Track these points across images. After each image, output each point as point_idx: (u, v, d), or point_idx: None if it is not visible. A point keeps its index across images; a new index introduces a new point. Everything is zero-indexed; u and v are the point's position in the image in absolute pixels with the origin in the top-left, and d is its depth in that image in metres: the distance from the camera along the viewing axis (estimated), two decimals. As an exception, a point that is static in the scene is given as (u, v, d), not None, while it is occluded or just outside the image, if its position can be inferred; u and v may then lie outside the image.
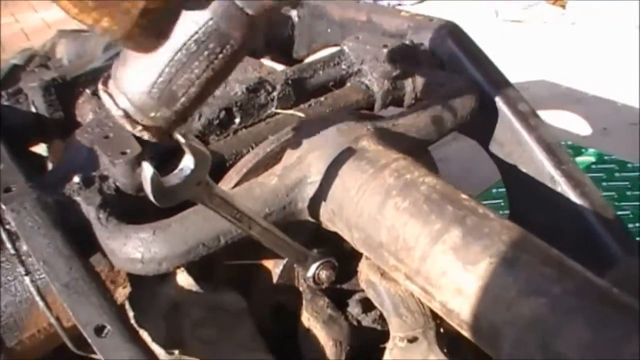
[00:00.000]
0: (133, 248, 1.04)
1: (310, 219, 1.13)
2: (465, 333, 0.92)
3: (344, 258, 1.25)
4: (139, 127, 0.89)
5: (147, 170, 0.88)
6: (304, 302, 1.28)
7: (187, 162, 0.92)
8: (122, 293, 1.22)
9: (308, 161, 1.11)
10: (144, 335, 1.13)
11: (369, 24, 1.76)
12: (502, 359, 0.86)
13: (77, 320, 0.99)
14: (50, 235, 1.06)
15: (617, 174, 3.02)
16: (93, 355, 1.11)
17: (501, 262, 0.88)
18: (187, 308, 1.16)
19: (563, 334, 0.81)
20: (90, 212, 1.12)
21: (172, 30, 0.84)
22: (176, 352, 1.17)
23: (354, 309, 1.31)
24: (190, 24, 0.84)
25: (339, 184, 1.07)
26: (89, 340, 0.97)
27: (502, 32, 5.23)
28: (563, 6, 5.81)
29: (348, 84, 1.50)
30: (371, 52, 1.47)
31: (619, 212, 2.66)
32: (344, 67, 1.50)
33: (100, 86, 0.90)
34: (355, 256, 1.26)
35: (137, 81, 0.87)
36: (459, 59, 1.53)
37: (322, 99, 1.43)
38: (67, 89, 1.58)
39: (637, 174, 3.01)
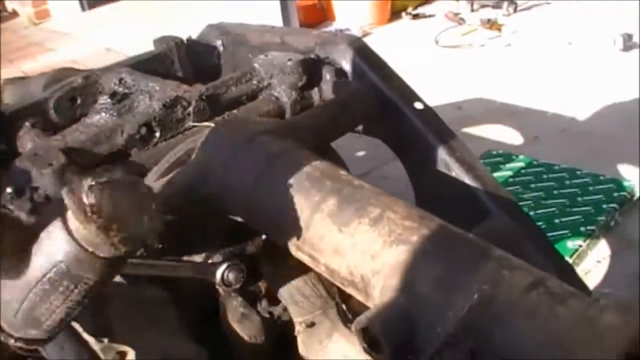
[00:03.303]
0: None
1: (218, 209, 1.26)
2: (347, 289, 1.06)
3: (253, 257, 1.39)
4: (12, 340, 0.96)
5: None
6: (220, 303, 1.41)
7: None
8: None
9: (211, 159, 1.24)
10: (76, 325, 1.25)
11: (282, 45, 1.91)
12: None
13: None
14: None
15: (544, 176, 3.20)
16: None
17: (368, 221, 1.02)
18: (114, 299, 1.27)
19: (420, 275, 0.94)
20: (21, 217, 1.24)
21: (32, 264, 0.90)
22: (105, 340, 1.28)
23: (261, 303, 1.43)
24: (44, 263, 0.89)
25: (235, 173, 1.20)
26: None
27: (443, 58, 5.45)
28: (499, 29, 6.07)
29: (260, 97, 1.65)
30: (278, 66, 1.62)
31: (545, 210, 2.84)
32: (255, 82, 1.65)
33: None
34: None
35: (5, 304, 0.93)
36: (360, 68, 1.68)
37: (235, 111, 1.57)
38: (8, 123, 1.69)
39: (564, 174, 3.19)
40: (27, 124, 1.71)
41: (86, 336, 1.24)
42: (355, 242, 1.01)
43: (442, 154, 1.54)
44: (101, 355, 1.26)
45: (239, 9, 6.21)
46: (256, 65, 1.67)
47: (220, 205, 1.25)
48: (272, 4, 6.20)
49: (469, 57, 5.43)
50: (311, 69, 1.63)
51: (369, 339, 0.91)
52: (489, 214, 1.46)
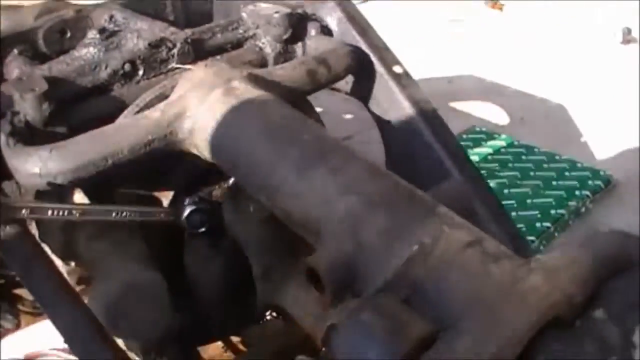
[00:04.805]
0: (32, 164, 1.21)
1: (190, 149, 1.31)
2: (299, 231, 1.11)
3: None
4: None
5: None
6: (185, 242, 1.47)
7: None
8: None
9: (187, 98, 1.29)
10: (46, 248, 1.30)
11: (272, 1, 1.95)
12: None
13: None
14: None
15: (523, 157, 3.25)
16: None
17: (327, 171, 1.07)
18: (83, 224, 1.32)
19: (367, 224, 1.00)
20: (1, 139, 1.28)
21: None
22: (72, 263, 1.34)
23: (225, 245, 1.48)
24: None
25: (211, 117, 1.25)
26: None
27: (440, 30, 5.46)
28: (500, 9, 6.07)
29: (244, 47, 1.68)
30: (265, 17, 1.65)
31: (519, 190, 2.90)
32: (241, 31, 1.68)
33: None
34: None
35: None
36: (345, 27, 1.72)
37: (218, 57, 1.60)
38: (-5, 49, 1.72)
39: (543, 157, 3.24)
40: (14, 51, 1.74)
41: (54, 258, 1.29)
42: (312, 189, 1.07)
43: (414, 118, 1.59)
44: (67, 278, 1.32)
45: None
46: (244, 14, 1.70)
47: (190, 143, 1.30)
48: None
49: (466, 32, 5.44)
50: (297, 23, 1.66)
51: (314, 278, 0.97)
52: (438, 164, 1.52)
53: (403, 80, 1.65)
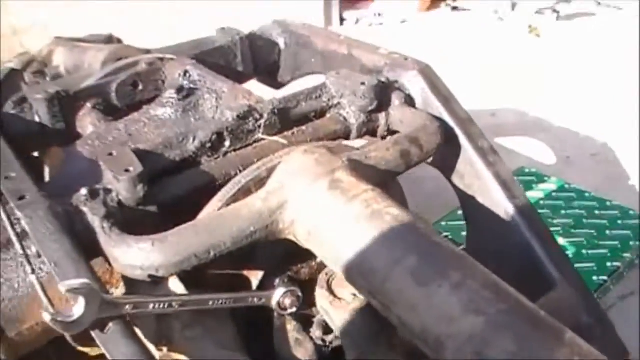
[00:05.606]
0: (134, 256, 1.19)
1: (289, 237, 1.29)
2: (416, 342, 1.09)
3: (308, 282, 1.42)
4: None
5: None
6: (274, 325, 1.44)
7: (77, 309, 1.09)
8: (116, 293, 1.37)
9: (289, 188, 1.26)
10: (138, 331, 1.28)
11: (349, 58, 1.93)
12: None
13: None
14: (60, 240, 1.19)
15: (575, 202, 3.21)
16: (80, 347, 1.27)
17: (449, 285, 1.05)
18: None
19: (494, 347, 0.98)
20: (95, 221, 1.26)
21: None
22: (165, 349, 1.32)
23: (316, 331, 1.46)
24: None
25: (315, 210, 1.23)
26: (93, 335, 1.12)
27: (480, 57, 5.41)
28: (538, 35, 6.04)
29: (328, 115, 1.66)
30: (350, 87, 1.63)
31: (574, 239, 2.87)
32: (325, 99, 1.66)
33: None
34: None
35: None
36: (428, 97, 1.70)
37: (303, 127, 1.58)
38: (70, 102, 1.71)
39: (594, 203, 3.20)
40: (88, 104, 1.73)
41: (148, 343, 1.27)
42: (433, 304, 1.05)
43: (502, 199, 1.56)
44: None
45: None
46: (327, 82, 1.68)
47: (290, 233, 1.28)
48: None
49: (506, 59, 5.40)
50: (382, 94, 1.65)
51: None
52: (540, 264, 1.49)
53: (489, 156, 1.63)
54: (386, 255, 1.12)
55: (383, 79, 1.70)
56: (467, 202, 1.66)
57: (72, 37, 2.42)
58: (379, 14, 6.75)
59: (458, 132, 1.65)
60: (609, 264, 2.79)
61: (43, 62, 2.27)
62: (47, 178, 1.97)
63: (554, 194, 3.27)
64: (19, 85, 2.07)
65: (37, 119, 1.71)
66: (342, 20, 6.72)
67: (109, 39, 2.43)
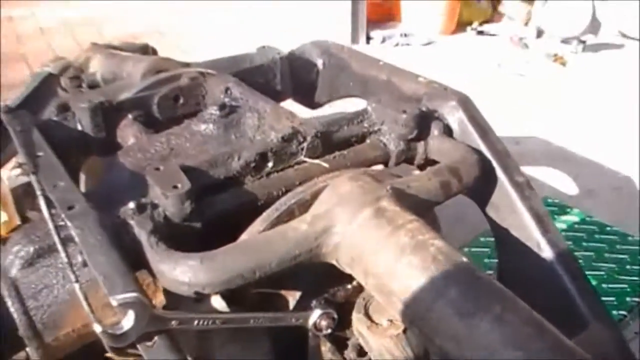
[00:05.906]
0: (182, 273, 1.22)
1: (331, 261, 1.32)
2: None
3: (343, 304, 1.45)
4: None
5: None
6: (309, 345, 1.47)
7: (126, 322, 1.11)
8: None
9: (335, 213, 1.30)
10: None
11: (388, 84, 1.96)
12: None
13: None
14: (109, 253, 1.22)
15: (597, 236, 3.23)
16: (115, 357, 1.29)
17: (490, 318, 1.07)
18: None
19: None
20: (141, 235, 1.28)
21: None
22: (203, 363, 1.35)
23: (350, 353, 1.48)
24: None
25: (361, 237, 1.26)
26: (139, 348, 1.14)
27: (504, 83, 5.45)
28: (563, 64, 6.06)
29: (368, 141, 1.69)
30: (391, 115, 1.66)
31: (595, 272, 2.88)
32: (365, 125, 1.69)
33: None
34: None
35: None
36: (466, 128, 1.72)
37: (344, 152, 1.61)
38: (112, 112, 1.74)
39: (615, 237, 3.22)
40: (129, 116, 1.76)
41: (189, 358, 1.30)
42: (475, 337, 1.07)
43: (535, 233, 1.59)
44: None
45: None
46: (369, 108, 1.71)
47: (332, 257, 1.31)
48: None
49: (530, 87, 5.43)
50: (421, 123, 1.68)
51: None
52: (572, 302, 1.52)
53: (525, 191, 1.65)
54: (430, 286, 1.14)
55: (423, 108, 1.72)
56: (500, 234, 1.68)
57: (108, 44, 2.45)
58: (406, 35, 6.80)
59: (495, 164, 1.67)
60: (628, 299, 2.81)
61: (80, 68, 2.29)
62: (82, 186, 1.99)
63: (575, 226, 3.29)
64: (55, 90, 2.11)
65: (79, 127, 1.74)
66: (368, 38, 6.77)
67: (145, 48, 2.47)
